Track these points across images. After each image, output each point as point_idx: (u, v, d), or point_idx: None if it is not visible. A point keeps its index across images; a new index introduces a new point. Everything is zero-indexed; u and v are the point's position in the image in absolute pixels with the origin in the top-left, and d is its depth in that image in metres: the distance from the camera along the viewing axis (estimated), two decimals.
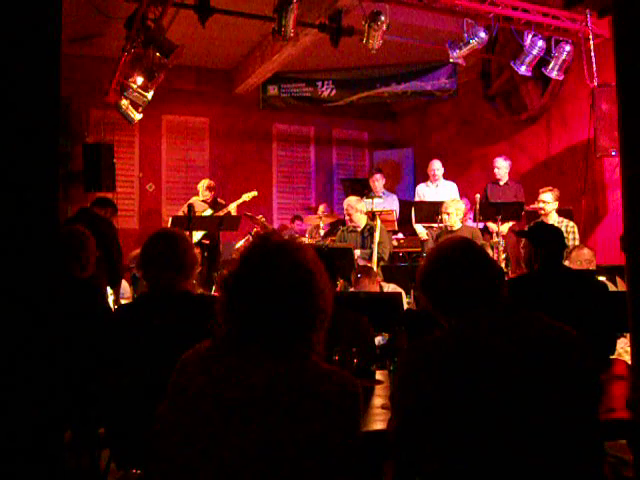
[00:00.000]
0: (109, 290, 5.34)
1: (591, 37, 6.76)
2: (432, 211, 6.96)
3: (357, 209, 6.61)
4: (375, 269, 5.90)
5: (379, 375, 2.75)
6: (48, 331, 1.66)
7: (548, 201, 6.25)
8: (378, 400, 2.38)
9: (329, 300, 1.55)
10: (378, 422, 2.08)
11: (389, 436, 1.77)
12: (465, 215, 7.65)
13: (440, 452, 1.61)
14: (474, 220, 6.82)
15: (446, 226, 6.56)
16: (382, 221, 6.71)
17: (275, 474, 1.38)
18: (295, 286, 1.50)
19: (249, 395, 1.43)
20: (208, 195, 7.97)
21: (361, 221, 6.65)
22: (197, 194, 8.09)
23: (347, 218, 6.69)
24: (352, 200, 6.72)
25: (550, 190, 6.30)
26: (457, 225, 6.50)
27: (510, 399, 1.59)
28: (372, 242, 6.43)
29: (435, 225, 6.94)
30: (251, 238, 7.20)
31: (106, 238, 5.33)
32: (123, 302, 5.43)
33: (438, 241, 6.60)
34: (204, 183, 8.04)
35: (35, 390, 1.63)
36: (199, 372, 1.51)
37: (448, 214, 6.48)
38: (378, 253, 6.34)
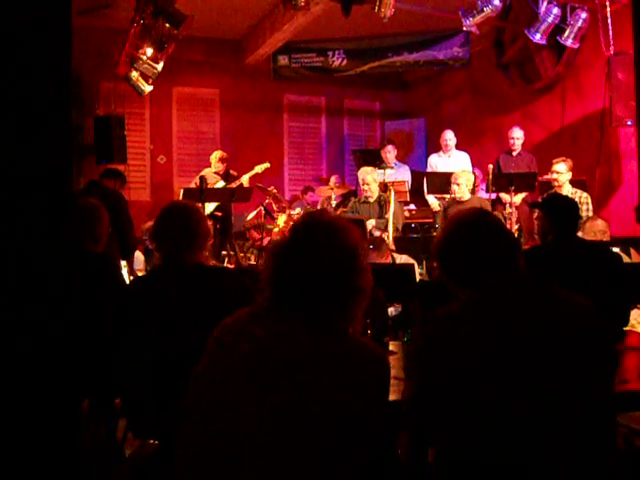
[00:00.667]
0: (122, 262, 5.38)
1: (608, 4, 6.62)
2: (444, 182, 6.92)
3: (374, 179, 6.62)
4: (390, 240, 5.90)
5: (392, 346, 2.76)
6: (63, 303, 1.68)
7: (562, 172, 6.19)
8: (391, 371, 2.39)
9: (369, 279, 1.61)
10: (391, 393, 2.09)
11: (403, 407, 1.78)
12: (478, 186, 7.61)
13: (454, 423, 1.62)
14: (487, 191, 6.78)
15: (454, 197, 6.54)
16: (394, 192, 6.70)
17: (301, 440, 1.42)
18: (339, 263, 1.56)
19: (285, 361, 1.48)
20: (220, 167, 7.94)
21: (375, 192, 6.66)
22: (208, 166, 8.07)
23: (365, 188, 6.66)
24: (368, 170, 6.72)
25: (564, 160, 6.23)
26: (466, 196, 6.48)
27: (525, 370, 1.59)
28: (386, 213, 6.44)
29: (448, 196, 6.91)
30: (263, 210, 7.21)
31: (116, 210, 5.33)
32: (139, 274, 5.47)
33: (447, 212, 6.59)
34: (216, 155, 8.01)
35: (52, 361, 1.65)
36: (238, 336, 1.57)
37: (458, 185, 6.45)
38: (393, 224, 6.35)
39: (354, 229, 1.65)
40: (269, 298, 1.60)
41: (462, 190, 6.44)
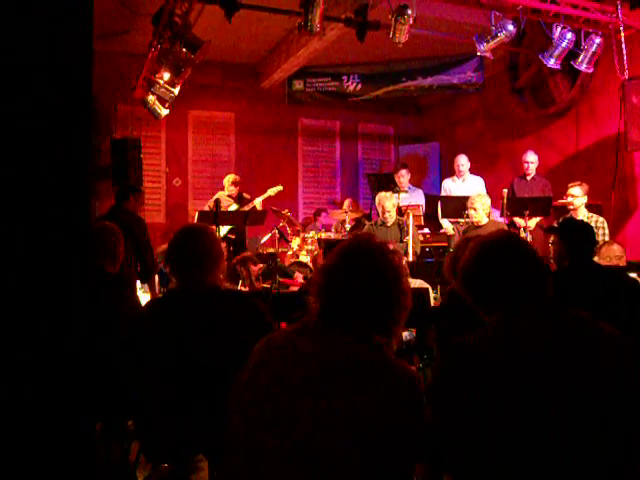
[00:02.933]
0: (138, 284, 5.40)
1: (622, 29, 6.63)
2: (459, 206, 6.89)
3: (393, 205, 6.68)
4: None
5: None
6: (78, 323, 1.68)
7: (577, 195, 6.17)
8: None
9: (410, 299, 1.77)
10: None
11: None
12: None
13: (474, 452, 1.59)
14: (501, 215, 6.76)
15: (472, 222, 6.50)
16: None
17: (334, 450, 1.51)
18: (386, 284, 1.72)
19: (324, 370, 1.59)
20: (233, 190, 8.00)
21: (394, 217, 6.71)
22: (223, 189, 8.14)
23: (387, 215, 6.70)
24: (387, 196, 6.79)
25: (579, 184, 6.21)
26: (484, 220, 6.44)
27: (549, 400, 1.55)
28: (405, 236, 6.46)
29: (462, 220, 6.89)
30: (277, 233, 7.22)
31: (135, 234, 5.39)
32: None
33: (464, 237, 6.56)
34: (229, 178, 8.09)
35: (65, 382, 1.65)
36: (283, 348, 1.68)
37: (475, 209, 6.40)
38: (412, 247, 6.38)
39: (398, 254, 1.80)
40: (317, 313, 1.72)
41: (479, 214, 6.39)
